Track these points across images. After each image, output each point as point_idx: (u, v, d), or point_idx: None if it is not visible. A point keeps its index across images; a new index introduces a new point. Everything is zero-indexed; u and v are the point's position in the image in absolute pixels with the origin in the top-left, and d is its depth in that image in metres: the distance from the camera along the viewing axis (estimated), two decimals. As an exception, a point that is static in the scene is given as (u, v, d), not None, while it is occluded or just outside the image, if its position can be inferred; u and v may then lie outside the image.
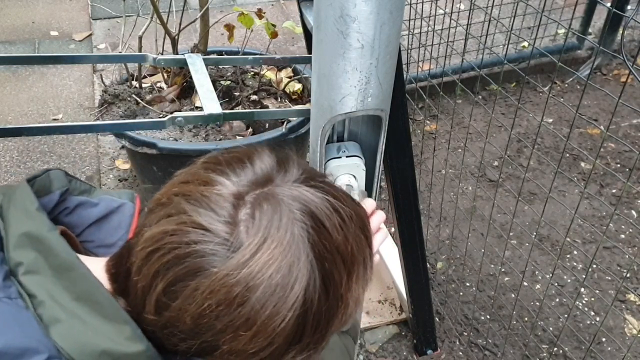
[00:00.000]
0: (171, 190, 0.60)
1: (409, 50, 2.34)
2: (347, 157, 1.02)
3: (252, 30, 1.98)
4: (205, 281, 0.53)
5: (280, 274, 0.54)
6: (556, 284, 1.99)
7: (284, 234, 0.55)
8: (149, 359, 0.59)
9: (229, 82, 2.10)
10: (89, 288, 0.59)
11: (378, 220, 0.96)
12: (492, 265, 2.08)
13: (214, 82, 2.04)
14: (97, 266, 0.63)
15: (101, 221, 0.77)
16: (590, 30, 3.01)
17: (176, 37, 1.98)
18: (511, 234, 2.18)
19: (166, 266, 0.55)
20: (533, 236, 2.09)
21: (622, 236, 2.18)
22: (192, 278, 0.54)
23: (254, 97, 2.07)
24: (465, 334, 1.86)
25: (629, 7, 2.74)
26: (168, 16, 1.98)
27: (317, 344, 0.61)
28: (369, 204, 0.96)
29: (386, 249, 2.00)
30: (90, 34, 3.30)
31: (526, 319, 1.90)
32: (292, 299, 0.55)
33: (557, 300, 1.96)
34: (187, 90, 2.07)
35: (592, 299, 1.97)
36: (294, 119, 1.93)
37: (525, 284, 2.00)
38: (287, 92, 2.10)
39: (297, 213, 0.57)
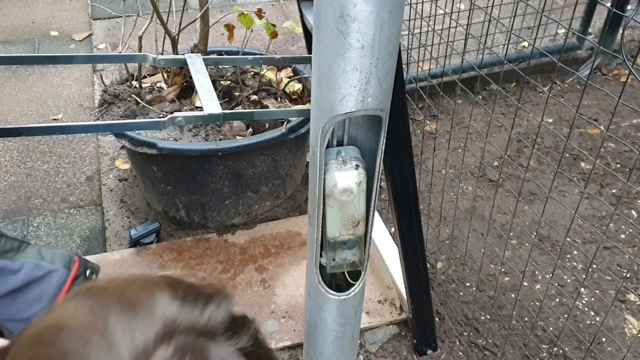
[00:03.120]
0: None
1: (409, 50, 2.34)
2: (346, 160, 1.02)
3: (252, 30, 1.98)
4: None
5: None
6: (556, 284, 1.99)
7: None
8: None
9: (229, 82, 2.11)
10: None
11: None
12: (492, 265, 2.08)
13: (214, 82, 2.03)
14: None
15: (18, 292, 0.66)
16: (590, 30, 3.01)
17: (176, 37, 1.98)
18: (511, 234, 2.18)
19: None
20: (533, 236, 2.09)
21: (622, 236, 2.18)
22: None
23: (254, 97, 2.07)
24: (465, 334, 1.86)
25: (629, 7, 2.74)
26: (168, 16, 1.98)
27: None
28: None
29: (386, 249, 2.00)
30: (90, 34, 3.30)
31: (526, 319, 1.90)
32: None
33: (557, 300, 1.96)
34: (187, 90, 2.07)
35: (592, 299, 1.97)
36: (294, 119, 1.93)
37: (525, 284, 2.00)
38: (287, 92, 2.10)
39: None
